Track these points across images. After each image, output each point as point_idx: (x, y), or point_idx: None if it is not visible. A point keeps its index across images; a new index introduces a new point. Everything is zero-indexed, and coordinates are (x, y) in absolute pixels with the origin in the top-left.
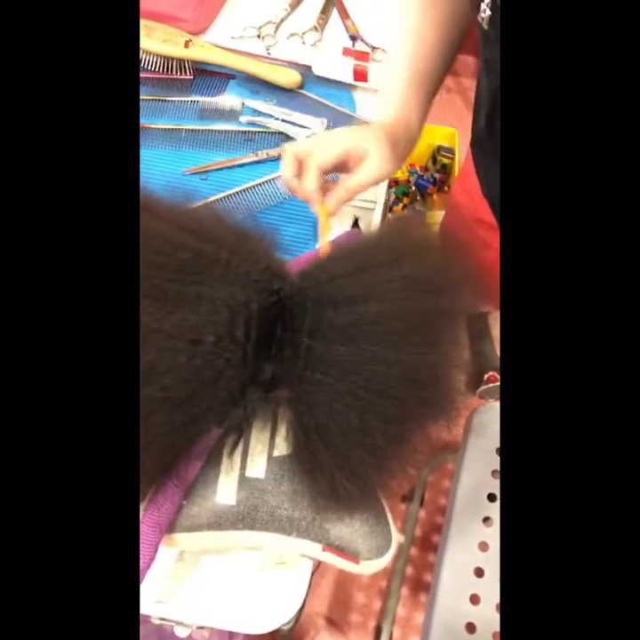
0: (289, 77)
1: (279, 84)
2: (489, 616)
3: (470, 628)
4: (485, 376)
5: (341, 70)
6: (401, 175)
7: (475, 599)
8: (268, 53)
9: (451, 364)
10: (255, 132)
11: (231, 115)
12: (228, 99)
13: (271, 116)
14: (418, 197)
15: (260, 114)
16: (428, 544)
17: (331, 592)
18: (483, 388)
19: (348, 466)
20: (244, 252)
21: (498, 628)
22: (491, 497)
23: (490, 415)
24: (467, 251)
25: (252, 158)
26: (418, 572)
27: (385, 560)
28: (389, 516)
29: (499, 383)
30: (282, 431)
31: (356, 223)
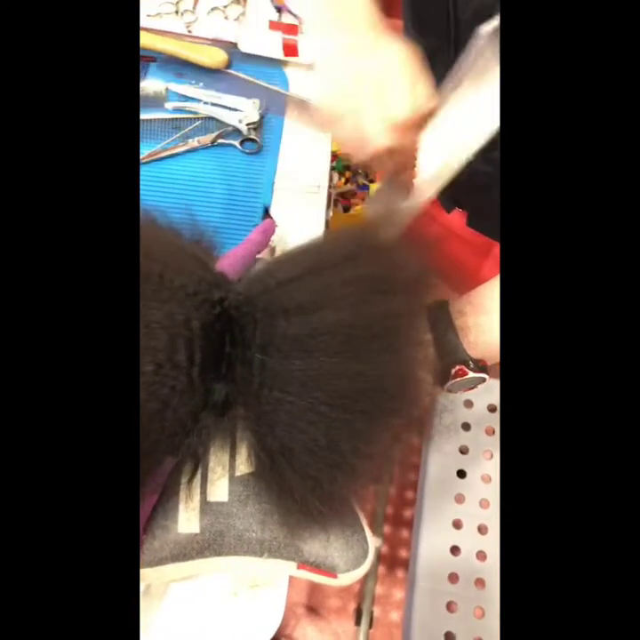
0: (214, 56)
1: (204, 65)
2: (469, 594)
3: (451, 606)
4: (453, 370)
5: (270, 45)
6: (339, 148)
7: (453, 578)
8: (189, 31)
9: (416, 366)
10: (183, 118)
11: (155, 101)
12: (151, 83)
13: (199, 99)
14: (359, 170)
15: (187, 98)
16: (400, 520)
17: (307, 581)
18: (451, 382)
19: (318, 486)
20: (177, 263)
21: (478, 604)
22: (460, 473)
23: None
24: (419, 236)
25: (183, 148)
26: (393, 549)
27: (363, 569)
28: (364, 521)
29: (468, 376)
30: (242, 451)
31: (266, 213)
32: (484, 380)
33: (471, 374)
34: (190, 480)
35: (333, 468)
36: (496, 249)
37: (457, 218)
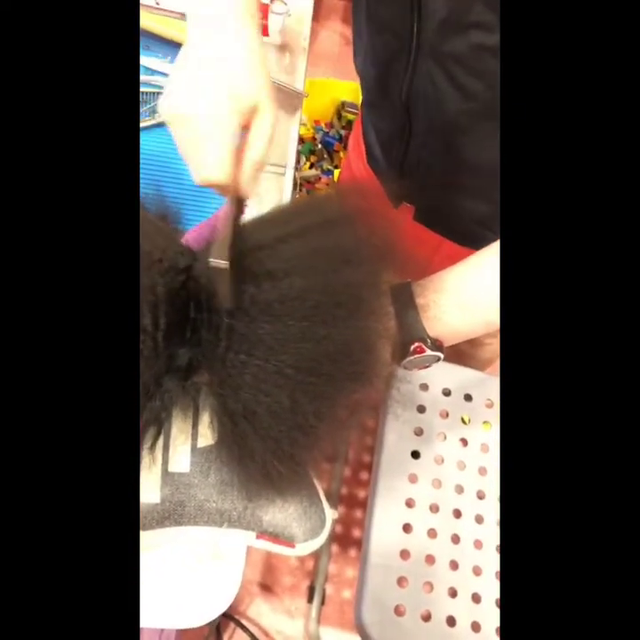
0: (182, 30)
1: (172, 39)
2: (419, 570)
3: (401, 582)
4: (411, 347)
5: None
6: (306, 133)
7: (404, 554)
8: (157, 3)
9: (378, 335)
10: (150, 92)
11: None
12: None
13: (166, 74)
14: (324, 155)
15: (154, 72)
16: (354, 501)
17: (262, 558)
18: (408, 359)
19: (279, 448)
20: (142, 232)
21: (427, 579)
22: (414, 454)
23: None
24: (379, 220)
25: (149, 122)
26: (346, 529)
27: (321, 540)
28: (322, 493)
29: (425, 354)
30: (205, 419)
31: None
32: (439, 358)
33: (428, 352)
34: (152, 446)
35: (295, 430)
36: (445, 245)
37: (403, 212)
